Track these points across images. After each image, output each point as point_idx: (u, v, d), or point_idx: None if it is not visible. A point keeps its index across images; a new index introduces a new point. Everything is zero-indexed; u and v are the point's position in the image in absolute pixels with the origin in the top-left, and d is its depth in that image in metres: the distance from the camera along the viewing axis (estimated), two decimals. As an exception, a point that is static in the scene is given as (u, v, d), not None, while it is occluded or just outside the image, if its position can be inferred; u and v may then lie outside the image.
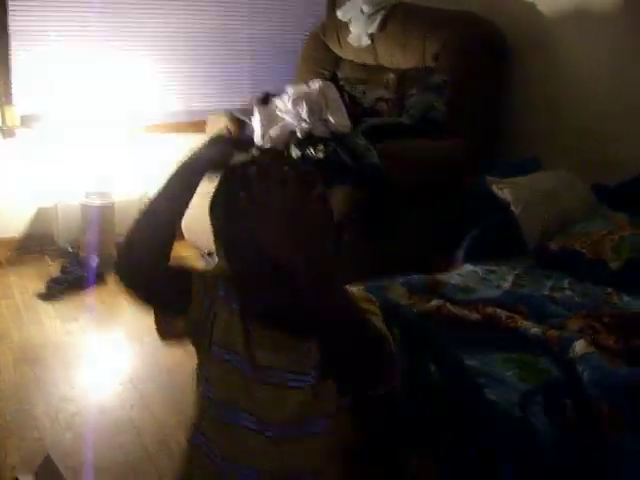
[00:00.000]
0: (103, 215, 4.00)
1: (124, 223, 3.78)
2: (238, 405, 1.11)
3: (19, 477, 2.03)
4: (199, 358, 1.18)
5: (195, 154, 1.13)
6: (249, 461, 1.12)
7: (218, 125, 4.16)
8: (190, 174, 1.11)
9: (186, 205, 1.09)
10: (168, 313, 1.15)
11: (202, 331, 1.13)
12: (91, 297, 3.69)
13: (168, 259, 1.08)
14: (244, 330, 1.12)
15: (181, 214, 1.10)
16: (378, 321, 1.06)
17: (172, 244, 1.09)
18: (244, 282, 1.11)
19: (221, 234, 1.12)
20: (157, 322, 1.13)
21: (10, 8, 3.94)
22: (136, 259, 1.07)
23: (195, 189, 1.10)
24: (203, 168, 1.11)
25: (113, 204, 4.08)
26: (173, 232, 1.09)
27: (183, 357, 3.04)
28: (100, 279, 3.83)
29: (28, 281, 3.84)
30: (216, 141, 1.13)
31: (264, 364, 1.11)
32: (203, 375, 1.16)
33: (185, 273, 1.14)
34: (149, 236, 1.07)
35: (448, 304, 2.35)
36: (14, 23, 3.98)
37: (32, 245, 4.22)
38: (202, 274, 1.16)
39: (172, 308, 1.14)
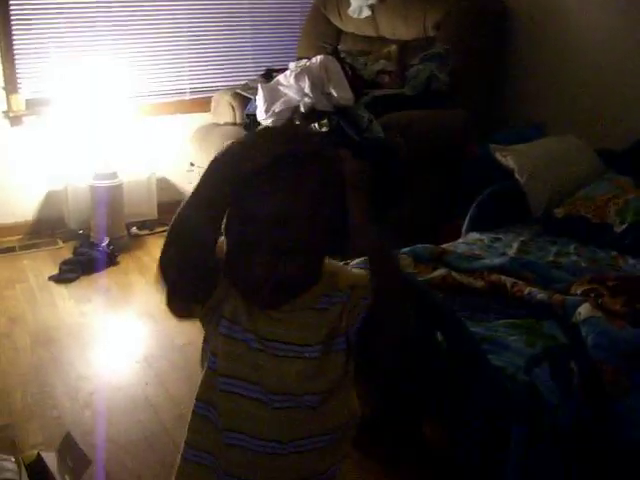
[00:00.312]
0: (112, 196, 4.04)
1: (133, 203, 3.84)
2: (243, 376, 1.15)
3: (42, 454, 2.08)
4: (206, 332, 1.21)
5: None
6: (251, 430, 1.16)
7: (222, 103, 4.19)
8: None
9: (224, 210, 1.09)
10: (191, 301, 1.17)
11: (214, 311, 1.17)
12: (104, 278, 3.74)
13: (212, 256, 1.10)
14: (249, 305, 1.15)
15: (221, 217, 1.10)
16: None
17: (215, 245, 1.10)
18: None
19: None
20: (169, 302, 1.16)
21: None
22: (184, 270, 1.09)
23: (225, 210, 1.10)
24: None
25: (122, 184, 4.11)
26: (216, 237, 1.11)
27: (196, 335, 3.07)
28: (112, 260, 3.88)
29: (41, 264, 3.89)
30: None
31: (269, 337, 1.15)
32: (210, 348, 1.20)
33: (218, 266, 1.14)
34: (195, 246, 1.08)
35: (453, 272, 2.39)
36: (15, 6, 3.99)
37: (44, 229, 4.28)
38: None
39: (197, 297, 1.16)
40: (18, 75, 4.09)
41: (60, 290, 3.60)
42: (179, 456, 1.25)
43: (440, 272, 2.41)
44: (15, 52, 4.04)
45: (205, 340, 1.23)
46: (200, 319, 1.20)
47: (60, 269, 3.76)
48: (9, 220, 4.22)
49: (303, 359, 1.14)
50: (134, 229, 4.34)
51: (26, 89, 4.13)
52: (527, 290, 2.25)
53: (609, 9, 3.51)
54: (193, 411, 1.22)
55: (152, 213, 4.43)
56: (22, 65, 4.09)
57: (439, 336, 1.99)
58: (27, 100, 4.14)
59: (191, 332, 3.12)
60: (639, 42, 3.40)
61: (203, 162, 4.09)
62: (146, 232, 4.36)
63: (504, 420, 1.81)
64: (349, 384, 1.20)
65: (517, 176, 3.06)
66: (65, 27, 4.14)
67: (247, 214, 1.07)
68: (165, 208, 4.40)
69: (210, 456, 1.20)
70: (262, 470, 1.17)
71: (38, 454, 2.11)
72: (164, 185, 4.54)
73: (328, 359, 1.15)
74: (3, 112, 4.09)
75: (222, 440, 1.17)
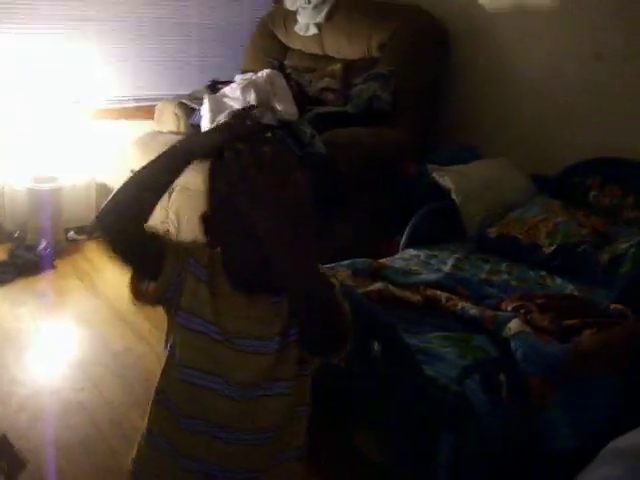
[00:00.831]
0: (51, 199, 4.00)
1: (72, 207, 3.81)
2: (203, 367, 1.20)
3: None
4: (168, 323, 1.26)
5: (195, 138, 1.26)
6: (209, 418, 1.21)
7: (167, 112, 4.20)
8: (184, 155, 1.20)
9: (171, 182, 1.19)
10: (141, 274, 1.23)
11: (170, 298, 1.22)
12: (40, 282, 3.70)
13: (146, 220, 1.17)
14: (211, 298, 1.21)
15: (166, 188, 1.19)
16: (339, 295, 1.18)
17: (152, 211, 1.18)
18: (227, 255, 1.22)
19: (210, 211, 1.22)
20: (132, 285, 1.21)
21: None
22: (119, 212, 1.17)
23: (184, 169, 1.19)
24: (198, 152, 1.20)
25: (61, 188, 4.09)
26: (156, 201, 1.18)
27: (132, 341, 3.11)
28: (48, 264, 3.84)
29: (-25, 267, 3.83)
30: (220, 129, 1.22)
31: (231, 330, 1.20)
32: (170, 339, 1.24)
33: (160, 238, 1.22)
34: (134, 197, 1.17)
35: (390, 286, 2.47)
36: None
37: (-22, 230, 4.21)
38: (176, 243, 1.24)
39: (145, 269, 1.22)
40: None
41: (-5, 293, 3.55)
42: (137, 441, 1.32)
43: (377, 285, 2.49)
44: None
45: (166, 333, 1.28)
46: (157, 304, 1.25)
47: (-5, 272, 3.71)
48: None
49: (263, 353, 1.20)
50: (72, 233, 4.30)
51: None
52: (460, 305, 2.34)
53: (544, 39, 3.67)
54: (154, 399, 1.27)
55: (90, 218, 4.39)
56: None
57: (375, 346, 2.06)
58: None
59: (128, 338, 3.14)
60: (571, 72, 3.56)
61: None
62: (84, 237, 4.33)
63: (435, 428, 1.89)
64: (306, 373, 1.26)
65: (453, 196, 3.17)
66: (12, 28, 4.09)
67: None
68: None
69: (167, 441, 1.25)
70: (218, 455, 1.22)
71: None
72: (103, 191, 4.51)
73: (285, 350, 1.20)
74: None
75: (179, 425, 1.22)
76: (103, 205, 1.18)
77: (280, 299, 1.21)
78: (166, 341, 1.27)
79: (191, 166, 1.20)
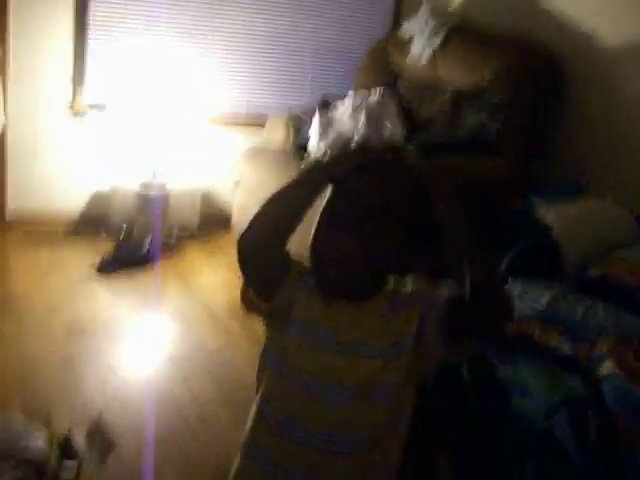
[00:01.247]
0: (158, 203, 4.17)
1: (176, 211, 3.97)
2: (316, 374, 1.25)
3: (72, 431, 2.18)
4: (271, 337, 1.32)
5: (331, 161, 1.31)
6: (314, 427, 1.26)
7: (278, 123, 4.32)
8: (322, 180, 1.25)
9: (310, 207, 1.23)
10: (258, 293, 1.31)
11: (281, 313, 1.28)
12: (141, 277, 3.87)
13: (284, 246, 1.24)
14: (326, 308, 1.26)
15: (304, 214, 1.23)
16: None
17: (289, 236, 1.23)
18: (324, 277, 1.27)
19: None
20: (243, 294, 1.29)
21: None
22: (260, 239, 1.22)
23: (321, 194, 1.25)
24: (337, 176, 1.25)
25: (167, 196, 4.26)
26: (294, 227, 1.23)
27: (223, 342, 3.21)
28: (151, 261, 4.00)
29: (82, 258, 4.02)
30: (357, 152, 1.31)
31: (347, 339, 1.25)
32: (276, 354, 1.30)
33: (289, 264, 1.28)
34: (274, 225, 1.22)
35: (484, 316, 2.46)
36: (94, 10, 4.19)
37: (88, 224, 4.42)
38: (296, 267, 1.30)
39: (264, 289, 1.29)
40: (87, 72, 4.26)
41: (98, 283, 3.72)
42: (237, 457, 1.36)
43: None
44: (88, 51, 4.22)
45: (265, 350, 1.33)
46: (266, 319, 1.32)
47: (101, 262, 3.88)
48: (56, 208, 4.36)
49: (371, 357, 1.25)
50: (175, 235, 4.46)
51: (92, 87, 4.29)
52: (554, 342, 2.32)
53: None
54: (257, 411, 1.32)
55: (194, 223, 4.55)
56: (92, 63, 4.26)
57: (465, 372, 2.07)
58: (91, 104, 4.30)
59: (223, 338, 3.24)
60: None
61: (248, 181, 4.22)
62: (186, 239, 4.48)
63: (520, 460, 1.88)
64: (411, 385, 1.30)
65: (555, 232, 3.13)
66: (136, 34, 4.32)
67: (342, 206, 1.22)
68: (205, 220, 4.55)
69: (268, 454, 1.29)
70: (316, 465, 1.26)
71: (69, 430, 2.22)
72: (208, 199, 4.67)
73: (394, 361, 1.25)
74: (69, 103, 4.25)
75: (282, 436, 1.27)
76: (245, 228, 1.23)
77: (392, 316, 1.26)
78: (263, 354, 1.33)
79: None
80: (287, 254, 1.26)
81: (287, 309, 1.27)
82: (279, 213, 1.22)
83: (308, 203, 1.22)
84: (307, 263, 1.29)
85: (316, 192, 1.23)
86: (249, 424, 1.34)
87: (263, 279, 1.27)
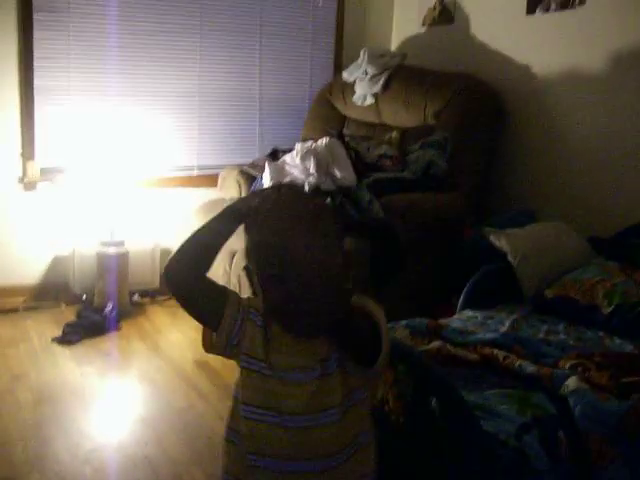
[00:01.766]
0: (118, 263, 4.17)
1: (137, 271, 3.98)
2: (259, 403, 1.32)
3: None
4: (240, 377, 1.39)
5: (241, 200, 1.40)
6: (269, 452, 1.31)
7: (229, 179, 4.36)
8: (234, 216, 1.37)
9: (226, 239, 1.35)
10: (206, 323, 1.39)
11: (235, 345, 1.35)
12: (106, 342, 3.84)
13: (205, 272, 1.34)
14: (264, 339, 1.34)
15: (221, 245, 1.35)
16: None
17: (210, 264, 1.35)
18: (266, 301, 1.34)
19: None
20: (203, 337, 1.34)
21: (35, 66, 4.19)
22: (182, 267, 1.33)
23: (235, 228, 1.36)
24: (245, 213, 1.36)
25: (127, 253, 4.25)
26: (213, 256, 1.35)
27: (194, 399, 3.19)
28: (114, 325, 3.98)
29: (44, 326, 3.99)
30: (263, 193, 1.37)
31: (281, 366, 1.33)
32: (236, 383, 1.34)
33: (221, 289, 1.37)
34: (194, 254, 1.34)
35: (448, 345, 2.50)
36: (38, 81, 4.22)
37: (48, 292, 4.39)
38: (238, 296, 1.38)
39: (208, 318, 1.37)
40: (35, 144, 4.27)
41: (63, 351, 3.68)
42: None
43: (435, 344, 2.52)
44: (35, 122, 4.24)
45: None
46: (227, 352, 1.37)
47: (63, 331, 3.85)
48: (14, 282, 4.32)
49: (305, 382, 1.31)
50: (136, 297, 4.45)
51: (42, 157, 4.31)
52: (518, 363, 2.36)
53: (599, 104, 3.74)
54: (224, 438, 1.39)
55: (154, 282, 4.54)
56: (40, 134, 4.28)
57: (433, 402, 2.09)
58: (42, 168, 4.31)
59: (192, 395, 3.22)
60: (627, 136, 3.61)
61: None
62: (148, 300, 4.47)
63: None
64: (360, 404, 1.36)
65: (510, 258, 3.20)
66: (83, 101, 4.35)
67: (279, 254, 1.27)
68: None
69: None
70: None
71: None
72: (168, 255, 4.65)
73: (328, 379, 1.32)
74: (18, 178, 4.26)
75: (246, 462, 1.30)
76: (168, 260, 1.34)
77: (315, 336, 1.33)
78: (236, 387, 1.40)
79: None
80: (217, 285, 1.35)
81: (238, 340, 1.34)
82: (199, 243, 1.34)
83: (223, 235, 1.35)
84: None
85: (230, 224, 1.35)
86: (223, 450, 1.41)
87: (200, 305, 1.35)
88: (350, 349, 1.32)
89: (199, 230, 1.36)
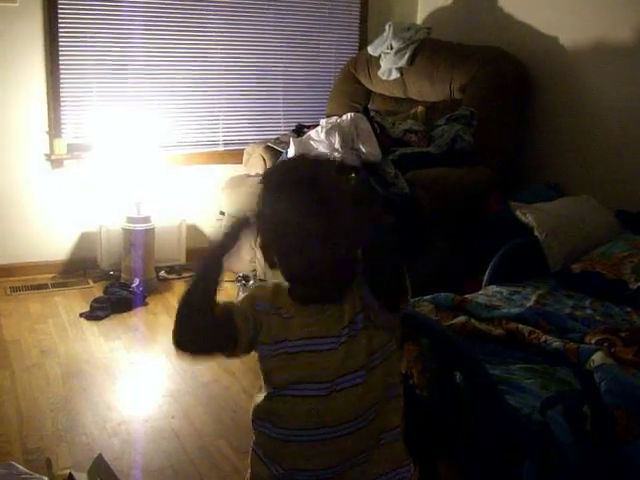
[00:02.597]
0: (144, 239, 4.20)
1: (163, 247, 4.00)
2: (289, 381, 1.35)
3: (73, 473, 2.18)
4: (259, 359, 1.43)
5: (217, 243, 1.40)
6: (302, 424, 1.34)
7: (254, 155, 4.36)
8: (215, 261, 1.38)
9: (217, 279, 1.38)
10: (227, 351, 1.41)
11: (253, 347, 1.40)
12: (133, 317, 3.88)
13: (212, 310, 1.37)
14: (281, 321, 1.37)
15: (216, 287, 1.38)
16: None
17: (212, 307, 1.37)
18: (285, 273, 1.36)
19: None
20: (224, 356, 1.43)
21: (60, 44, 4.20)
22: (184, 333, 1.38)
23: (219, 272, 1.38)
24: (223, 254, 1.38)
25: (154, 229, 4.28)
26: (211, 302, 1.37)
27: (219, 373, 3.21)
28: (141, 301, 4.02)
29: (72, 301, 4.05)
30: (231, 231, 1.39)
31: (304, 336, 1.34)
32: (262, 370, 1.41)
33: (223, 314, 1.39)
34: (191, 312, 1.38)
35: (473, 320, 2.49)
36: (64, 58, 4.24)
37: (76, 268, 4.44)
38: (240, 305, 1.41)
39: (227, 344, 1.40)
40: (62, 121, 4.30)
41: (90, 327, 3.73)
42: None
43: (460, 319, 2.51)
44: (61, 99, 4.26)
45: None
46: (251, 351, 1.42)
47: (91, 307, 3.90)
48: (43, 258, 4.39)
49: (332, 349, 1.32)
50: (163, 272, 4.49)
51: (68, 134, 4.34)
52: (543, 338, 2.34)
53: (626, 75, 3.68)
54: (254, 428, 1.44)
55: (181, 258, 4.58)
56: (66, 111, 4.32)
57: (458, 377, 2.09)
58: (69, 144, 4.34)
59: (215, 371, 3.24)
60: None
61: (233, 211, 4.26)
62: (174, 276, 4.51)
63: (518, 457, 1.89)
64: (387, 358, 1.37)
65: (536, 233, 3.17)
66: (109, 78, 4.38)
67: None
68: (193, 254, 4.57)
69: (269, 458, 1.40)
70: (317, 456, 1.34)
71: (70, 474, 2.21)
72: (194, 232, 4.70)
73: (353, 343, 1.32)
74: (45, 155, 4.30)
75: (280, 439, 1.36)
76: (172, 335, 1.39)
77: (342, 300, 1.33)
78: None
79: None
80: (220, 313, 1.37)
81: (255, 335, 1.38)
82: (190, 304, 1.37)
83: (209, 281, 1.38)
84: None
85: (211, 276, 1.38)
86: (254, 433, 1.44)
87: (218, 344, 1.40)
88: (379, 286, 1.31)
89: (186, 293, 1.38)
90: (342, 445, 1.33)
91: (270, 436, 1.38)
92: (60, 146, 4.31)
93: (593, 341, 2.31)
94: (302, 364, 1.33)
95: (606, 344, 2.26)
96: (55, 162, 4.33)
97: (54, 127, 4.28)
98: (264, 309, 1.38)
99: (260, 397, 1.42)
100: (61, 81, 4.25)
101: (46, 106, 4.25)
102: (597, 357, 2.17)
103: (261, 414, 1.41)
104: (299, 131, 4.33)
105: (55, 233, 4.39)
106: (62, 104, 4.29)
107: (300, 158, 1.44)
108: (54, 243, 4.41)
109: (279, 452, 1.38)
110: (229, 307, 1.39)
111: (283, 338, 1.35)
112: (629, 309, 2.74)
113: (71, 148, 4.35)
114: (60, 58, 4.22)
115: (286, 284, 1.39)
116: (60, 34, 4.20)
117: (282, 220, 1.27)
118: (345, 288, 1.33)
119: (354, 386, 1.32)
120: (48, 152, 4.31)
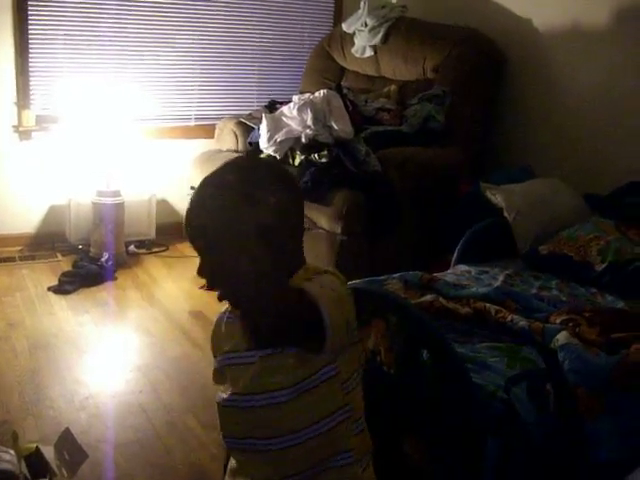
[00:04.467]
0: (113, 213, 4.17)
1: (133, 222, 3.99)
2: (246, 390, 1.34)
3: (39, 447, 2.17)
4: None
5: None
6: (236, 433, 1.36)
7: (226, 130, 4.34)
8: None
9: None
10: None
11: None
12: (101, 292, 3.85)
13: None
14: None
15: None
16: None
17: None
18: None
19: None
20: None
21: (29, 13, 4.12)
22: None
23: None
24: None
25: (123, 203, 4.24)
26: None
27: (188, 348, 3.22)
28: (110, 275, 3.99)
29: (40, 275, 4.01)
30: None
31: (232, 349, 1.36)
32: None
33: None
34: None
35: (441, 298, 2.51)
36: (33, 28, 4.16)
37: (44, 241, 4.40)
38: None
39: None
40: (31, 92, 4.24)
41: (59, 300, 3.70)
42: None
43: (428, 297, 2.54)
44: (30, 70, 4.19)
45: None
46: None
47: (59, 280, 3.87)
48: (10, 231, 4.33)
49: (248, 364, 1.32)
50: (132, 247, 4.46)
51: (37, 105, 4.28)
52: (509, 317, 2.37)
53: (597, 59, 3.71)
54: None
55: (150, 233, 4.55)
56: (35, 82, 4.24)
57: (425, 355, 2.11)
58: (37, 116, 4.28)
59: (186, 345, 3.25)
60: (625, 91, 3.59)
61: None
62: (144, 251, 4.48)
63: (482, 434, 1.93)
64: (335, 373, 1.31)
65: (505, 214, 3.21)
66: (79, 48, 4.31)
67: None
68: (163, 229, 4.54)
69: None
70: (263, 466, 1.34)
71: (37, 447, 2.20)
72: (164, 206, 4.67)
73: (272, 360, 1.29)
74: (13, 127, 4.23)
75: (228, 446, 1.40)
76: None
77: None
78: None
79: None
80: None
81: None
82: None
83: None
84: None
85: None
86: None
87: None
88: (285, 337, 1.23)
89: None
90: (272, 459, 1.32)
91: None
92: (28, 117, 4.25)
93: (558, 321, 2.35)
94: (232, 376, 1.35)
95: (571, 324, 2.30)
96: (23, 134, 4.26)
97: (22, 98, 4.21)
98: (225, 321, 1.40)
99: None
100: (30, 50, 4.17)
101: (14, 76, 4.18)
102: (561, 337, 2.21)
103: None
104: (271, 107, 4.31)
105: (23, 206, 4.34)
106: (31, 74, 4.21)
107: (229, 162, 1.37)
108: (22, 216, 4.35)
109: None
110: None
111: (227, 349, 1.37)
112: (594, 290, 2.79)
113: (40, 120, 4.29)
114: (29, 27, 4.14)
115: None
116: (29, 2, 4.11)
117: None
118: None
119: (272, 406, 1.28)
120: (16, 124, 4.24)
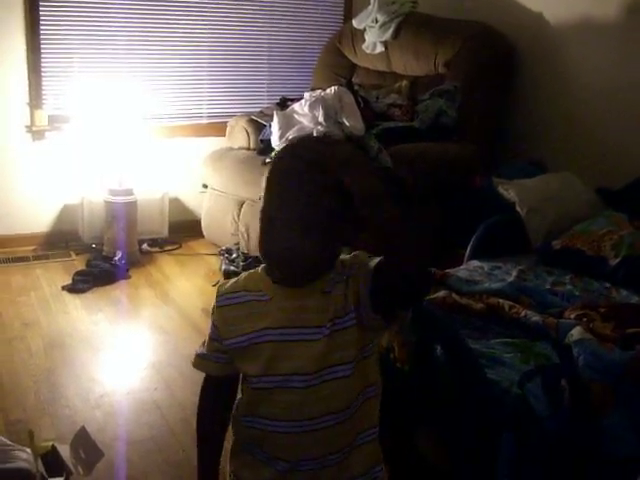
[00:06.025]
0: (126, 212, 4.18)
1: (145, 220, 4.00)
2: (267, 372, 1.30)
3: (55, 445, 2.18)
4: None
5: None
6: (278, 415, 1.31)
7: (237, 128, 4.35)
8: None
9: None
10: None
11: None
12: (115, 290, 3.87)
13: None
14: (264, 308, 1.31)
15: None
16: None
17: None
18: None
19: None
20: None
21: (41, 13, 4.14)
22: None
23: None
24: None
25: (136, 201, 4.26)
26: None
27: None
28: (123, 274, 4.01)
29: (54, 274, 4.03)
30: None
31: (284, 324, 1.29)
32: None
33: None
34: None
35: (454, 294, 2.51)
36: (44, 28, 4.18)
37: (58, 240, 4.42)
38: (207, 349, 1.51)
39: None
40: (43, 92, 4.26)
41: (73, 299, 3.72)
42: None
43: (441, 293, 2.54)
44: (42, 70, 4.21)
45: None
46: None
47: (73, 279, 3.88)
48: (25, 231, 4.36)
49: (312, 340, 1.26)
50: (145, 245, 4.47)
51: (50, 105, 4.30)
52: (523, 313, 2.37)
53: (610, 52, 3.69)
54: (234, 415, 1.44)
55: (163, 231, 4.56)
56: (47, 82, 4.26)
57: (438, 351, 2.12)
58: (50, 116, 4.30)
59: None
60: (634, 86, 3.56)
61: (216, 184, 4.24)
62: (156, 249, 4.49)
63: (496, 429, 1.93)
64: (370, 356, 1.33)
65: (518, 208, 3.20)
66: (91, 48, 4.33)
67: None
68: (176, 227, 4.56)
69: (254, 445, 1.37)
70: (295, 447, 1.31)
71: (53, 446, 2.22)
72: (176, 204, 4.69)
73: (338, 336, 1.26)
74: (26, 127, 4.25)
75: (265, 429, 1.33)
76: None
77: (330, 289, 1.27)
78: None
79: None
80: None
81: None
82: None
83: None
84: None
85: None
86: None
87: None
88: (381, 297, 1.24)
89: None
90: (320, 437, 1.30)
91: (257, 428, 1.35)
92: (41, 117, 4.27)
93: (572, 316, 2.35)
94: (280, 353, 1.28)
95: (585, 319, 2.29)
96: (36, 134, 4.28)
97: (34, 98, 4.23)
98: (235, 301, 1.35)
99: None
100: (42, 51, 4.19)
101: (26, 77, 4.20)
102: (576, 332, 2.21)
103: (241, 410, 1.39)
104: (283, 104, 4.32)
105: (36, 205, 4.36)
106: (43, 75, 4.23)
107: (310, 143, 1.38)
108: (35, 215, 4.38)
109: (273, 444, 1.34)
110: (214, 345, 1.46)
111: (264, 326, 1.29)
112: (608, 285, 2.77)
113: (52, 119, 4.31)
114: (41, 27, 4.16)
115: (257, 271, 1.35)
116: (41, 2, 4.13)
117: (276, 202, 1.24)
118: (322, 275, 1.28)
119: (336, 381, 1.27)
120: (29, 124, 4.26)
